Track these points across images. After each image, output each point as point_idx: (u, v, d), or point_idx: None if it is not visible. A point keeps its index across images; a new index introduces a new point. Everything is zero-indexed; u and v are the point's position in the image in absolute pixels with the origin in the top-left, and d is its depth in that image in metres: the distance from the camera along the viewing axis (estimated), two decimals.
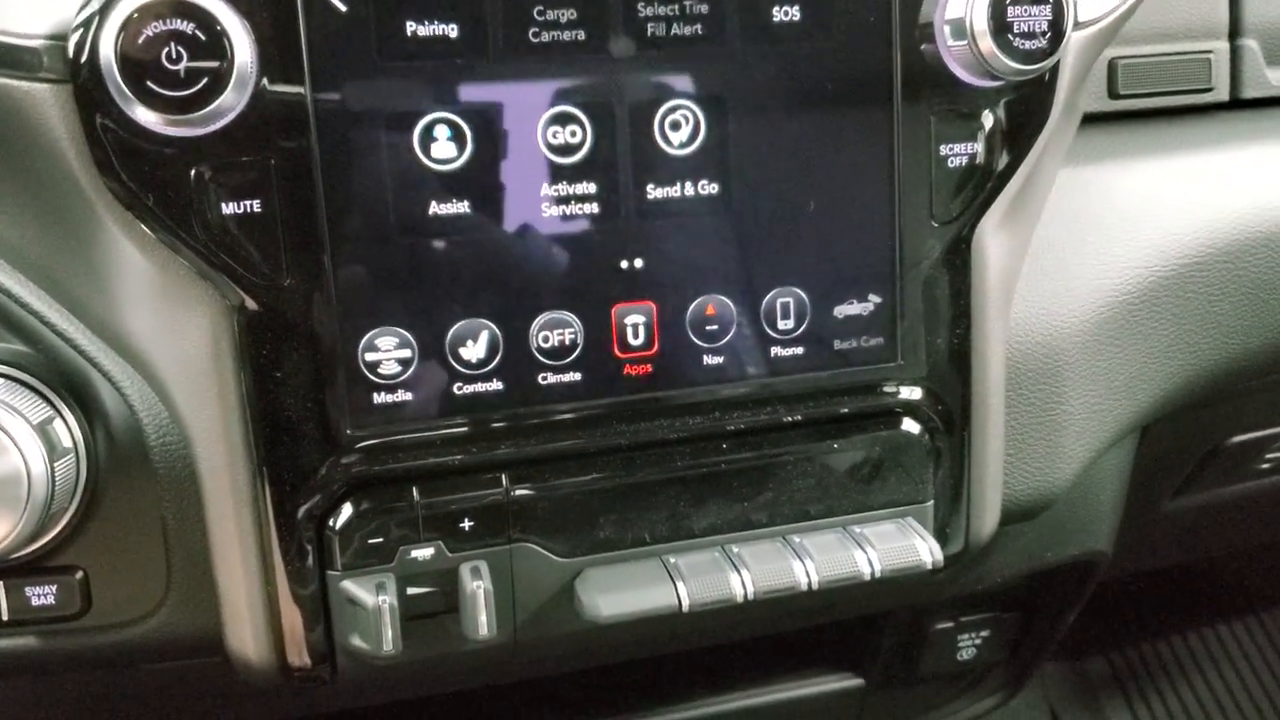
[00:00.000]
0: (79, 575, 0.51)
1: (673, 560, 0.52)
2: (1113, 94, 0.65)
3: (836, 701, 0.85)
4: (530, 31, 0.48)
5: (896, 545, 0.54)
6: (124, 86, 0.43)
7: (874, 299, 0.54)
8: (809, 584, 0.52)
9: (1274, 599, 1.57)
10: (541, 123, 0.49)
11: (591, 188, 0.50)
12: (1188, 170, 0.64)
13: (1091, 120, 0.64)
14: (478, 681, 0.67)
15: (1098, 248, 0.61)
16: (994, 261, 0.55)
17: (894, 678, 0.84)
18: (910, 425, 0.55)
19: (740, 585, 0.51)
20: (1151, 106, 0.66)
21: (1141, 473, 0.77)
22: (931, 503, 0.56)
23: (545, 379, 0.50)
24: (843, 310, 0.53)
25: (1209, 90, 0.67)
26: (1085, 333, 0.60)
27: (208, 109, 0.44)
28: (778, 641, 0.85)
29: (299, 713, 0.71)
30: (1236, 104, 0.68)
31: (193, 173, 0.45)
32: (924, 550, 0.54)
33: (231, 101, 0.44)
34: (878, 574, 0.53)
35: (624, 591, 0.51)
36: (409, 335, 0.49)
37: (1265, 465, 0.83)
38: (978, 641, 0.82)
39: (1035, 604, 0.81)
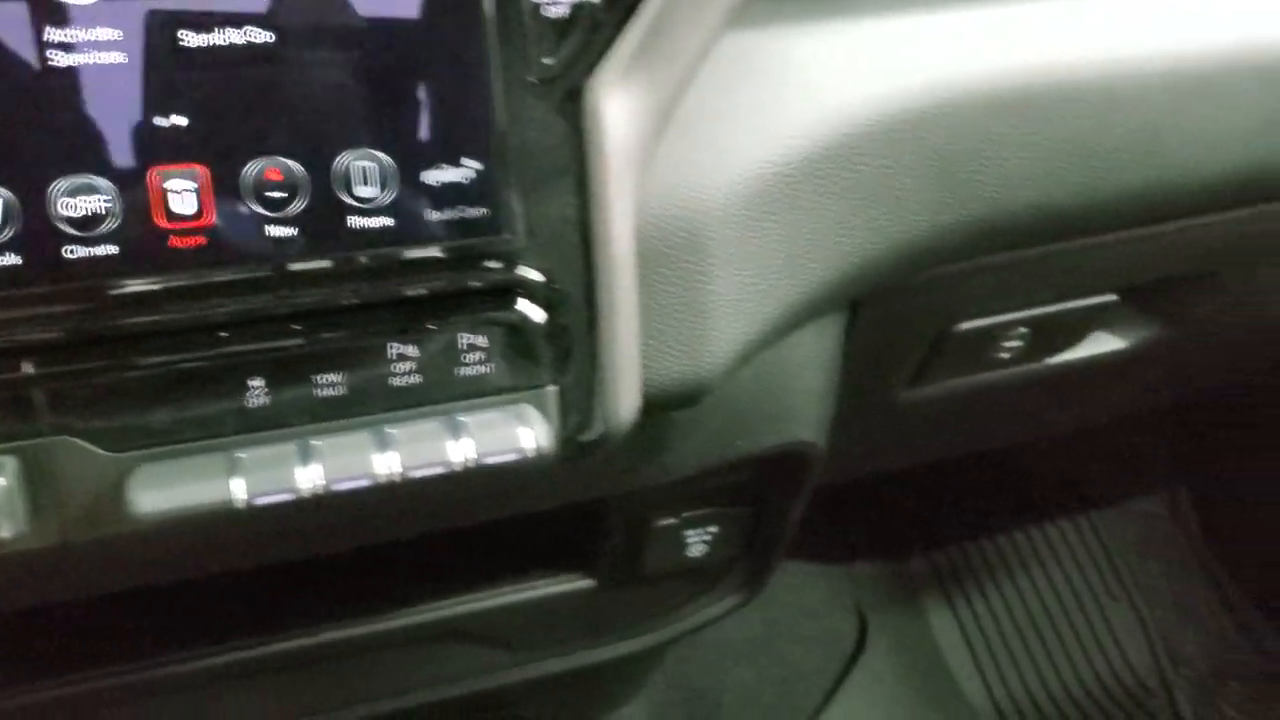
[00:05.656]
0: None
1: (240, 454, 0.48)
2: None
3: (568, 603, 0.82)
4: None
5: (497, 433, 0.50)
6: None
7: (471, 164, 0.49)
8: (391, 476, 0.48)
9: (1100, 495, 1.58)
10: None
11: (113, 32, 0.44)
12: (860, 38, 0.59)
13: None
14: (103, 588, 0.62)
15: (756, 118, 0.56)
16: (614, 126, 0.50)
17: (624, 577, 0.81)
18: (524, 305, 0.51)
19: (309, 479, 0.47)
20: None
21: (863, 359, 0.74)
22: (554, 388, 0.52)
23: (73, 252, 0.45)
24: (434, 176, 0.48)
25: None
26: (736, 208, 0.55)
27: None
28: (508, 541, 0.82)
29: None
30: None
31: None
32: (526, 438, 0.50)
33: None
34: (472, 463, 0.49)
35: (171, 488, 0.46)
36: None
37: (1005, 354, 0.81)
38: (706, 538, 0.79)
39: (761, 498, 0.78)
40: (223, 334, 0.47)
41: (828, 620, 1.27)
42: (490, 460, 0.49)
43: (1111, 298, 0.79)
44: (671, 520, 0.77)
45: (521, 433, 0.50)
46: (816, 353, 0.68)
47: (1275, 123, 0.68)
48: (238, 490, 0.46)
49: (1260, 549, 1.48)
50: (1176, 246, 0.76)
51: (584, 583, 0.81)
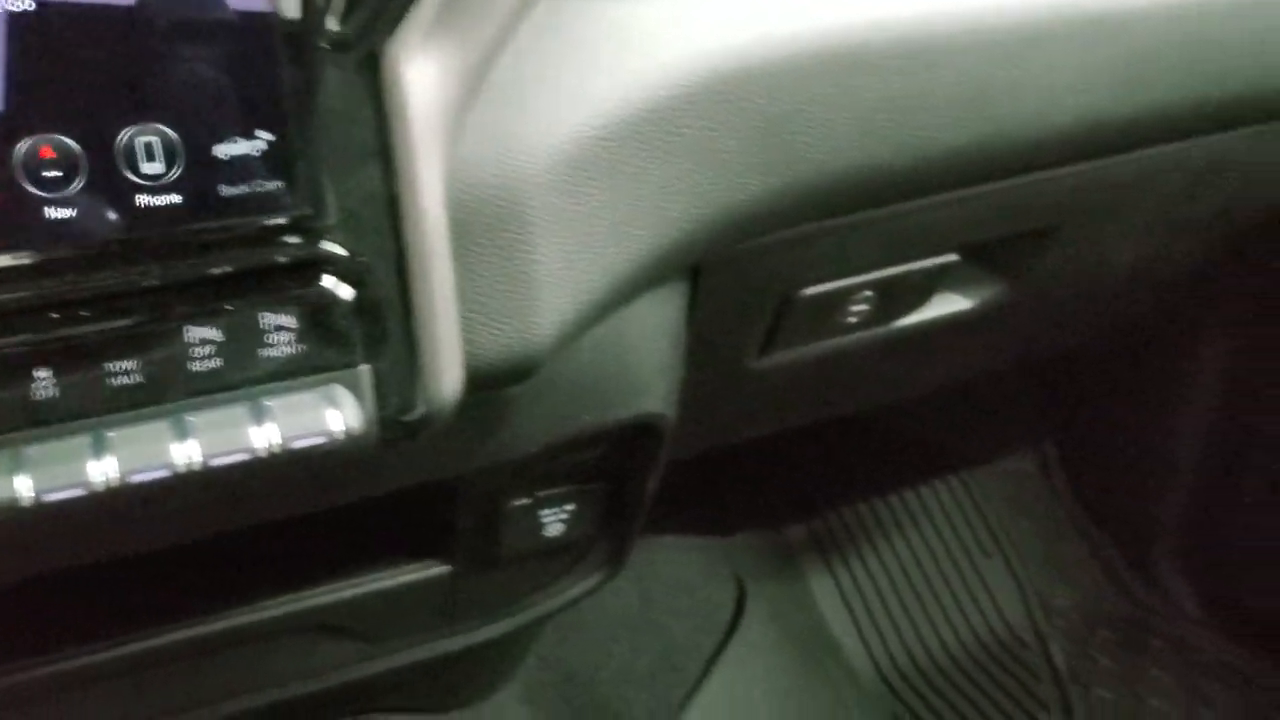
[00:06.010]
0: None
1: (28, 450, 0.45)
2: None
3: (426, 590, 0.80)
4: None
5: (304, 416, 0.48)
6: None
7: (263, 136, 0.46)
8: (191, 466, 0.46)
9: (971, 454, 1.61)
10: None
11: None
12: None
13: None
14: None
15: (573, 81, 0.55)
16: (418, 92, 0.49)
17: (481, 561, 0.79)
18: (329, 281, 0.49)
19: (102, 472, 0.44)
20: None
21: (709, 328, 0.74)
22: (367, 368, 0.50)
23: None
24: (224, 150, 0.46)
25: None
26: (555, 174, 0.54)
27: None
28: (361, 530, 0.80)
29: None
30: None
31: None
32: (335, 420, 0.48)
33: None
34: (278, 449, 0.47)
35: None
36: None
37: (853, 319, 0.81)
38: (563, 517, 0.78)
39: (616, 474, 0.77)
40: (1, 324, 0.44)
41: (705, 592, 1.27)
42: (298, 445, 0.47)
43: (953, 258, 0.80)
44: (525, 500, 0.76)
45: (330, 415, 0.48)
46: (659, 323, 0.67)
47: (1102, 77, 0.69)
48: (23, 487, 0.44)
49: (1127, 501, 1.53)
50: (1014, 203, 0.77)
51: (441, 569, 0.79)
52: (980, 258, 0.83)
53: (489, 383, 0.55)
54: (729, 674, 1.19)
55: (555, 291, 0.55)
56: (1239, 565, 1.39)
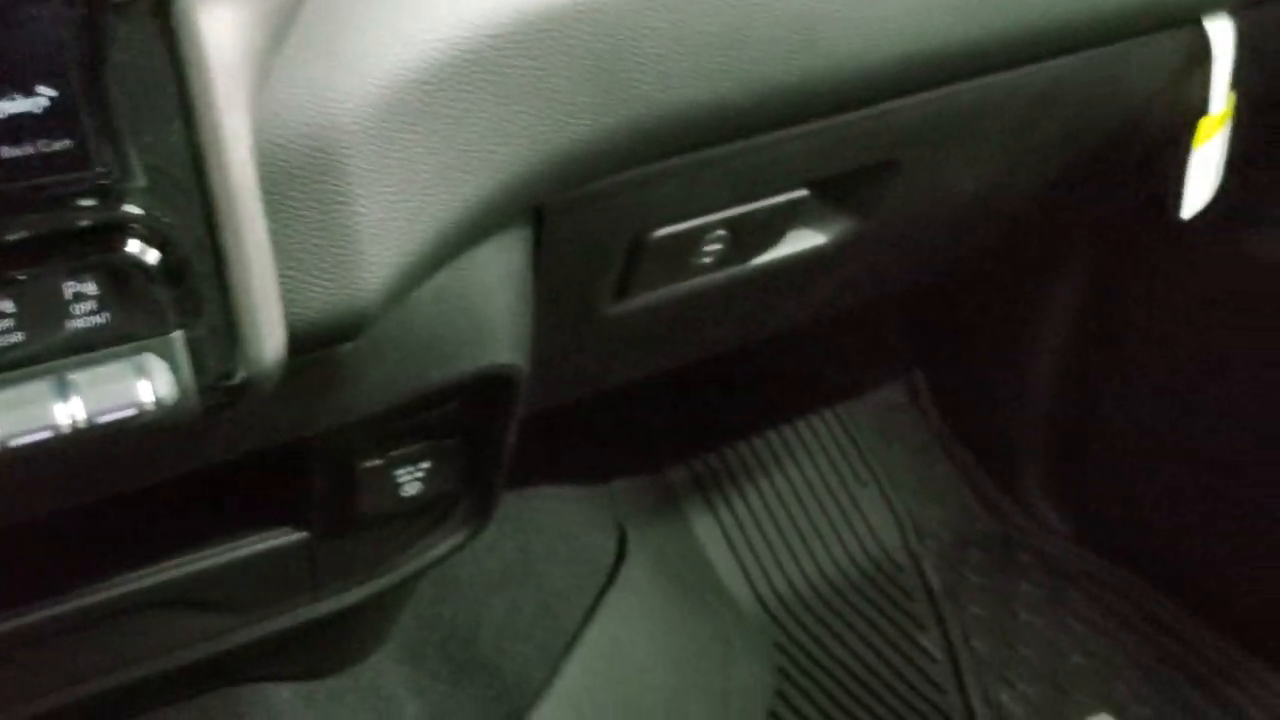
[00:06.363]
0: None
1: None
2: None
3: (284, 558, 0.78)
4: None
5: (111, 389, 0.45)
6: None
7: (44, 93, 0.43)
8: None
9: (844, 387, 1.64)
10: None
11: None
12: None
13: None
14: None
15: (386, 22, 0.53)
16: (216, 40, 0.46)
17: (340, 525, 0.77)
18: (133, 245, 0.46)
19: None
20: None
21: (559, 274, 0.73)
22: (179, 334, 0.48)
23: None
24: (2, 109, 0.43)
25: None
26: (372, 121, 0.52)
27: None
28: (213, 499, 0.77)
29: None
30: None
31: None
32: (145, 391, 0.46)
33: None
34: (83, 424, 0.44)
35: None
36: None
37: (708, 259, 0.80)
38: (420, 475, 0.76)
39: (472, 429, 0.76)
40: None
41: (586, 540, 1.27)
42: (105, 419, 0.45)
43: (802, 193, 0.80)
44: (379, 461, 0.74)
45: (140, 386, 0.45)
46: (503, 270, 0.66)
47: (931, 6, 0.69)
48: None
49: (993, 425, 1.58)
50: (857, 137, 0.77)
51: (298, 535, 0.77)
52: (829, 193, 0.83)
53: (315, 342, 0.53)
54: (610, 618, 1.19)
55: (379, 243, 0.53)
56: (1097, 482, 1.44)
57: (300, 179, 0.50)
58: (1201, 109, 0.94)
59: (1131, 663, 1.34)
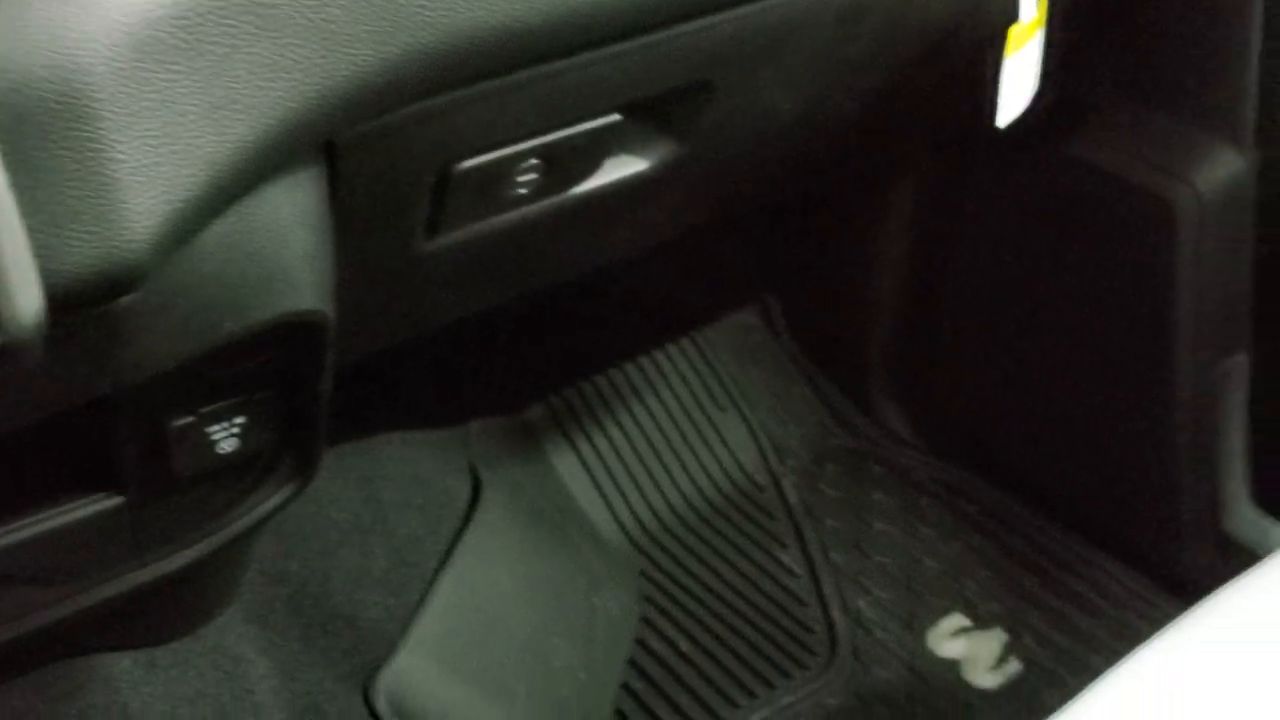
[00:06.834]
0: None
1: None
2: None
3: (100, 525, 0.75)
4: None
5: None
6: None
7: None
8: None
9: (699, 314, 1.65)
10: None
11: None
12: None
13: None
14: None
15: None
16: None
17: (156, 486, 0.75)
18: None
19: None
20: None
21: (361, 213, 0.70)
22: None
23: None
24: None
25: None
26: (123, 61, 0.49)
27: None
28: (14, 469, 0.73)
29: None
30: None
31: None
32: None
33: None
34: None
35: None
36: None
37: (522, 190, 0.79)
38: (235, 430, 0.74)
39: (284, 380, 0.74)
40: None
41: (440, 484, 1.26)
42: None
43: (615, 118, 0.79)
44: (190, 418, 0.72)
45: None
46: (296, 212, 0.63)
47: None
48: None
49: (842, 343, 1.60)
50: (668, 56, 0.76)
51: (112, 500, 0.74)
52: (644, 117, 0.82)
53: (86, 299, 0.51)
54: (468, 561, 1.18)
55: (142, 191, 0.50)
56: (941, 390, 1.48)
57: (48, 126, 0.47)
58: (1012, 16, 0.95)
59: (980, 562, 1.39)
